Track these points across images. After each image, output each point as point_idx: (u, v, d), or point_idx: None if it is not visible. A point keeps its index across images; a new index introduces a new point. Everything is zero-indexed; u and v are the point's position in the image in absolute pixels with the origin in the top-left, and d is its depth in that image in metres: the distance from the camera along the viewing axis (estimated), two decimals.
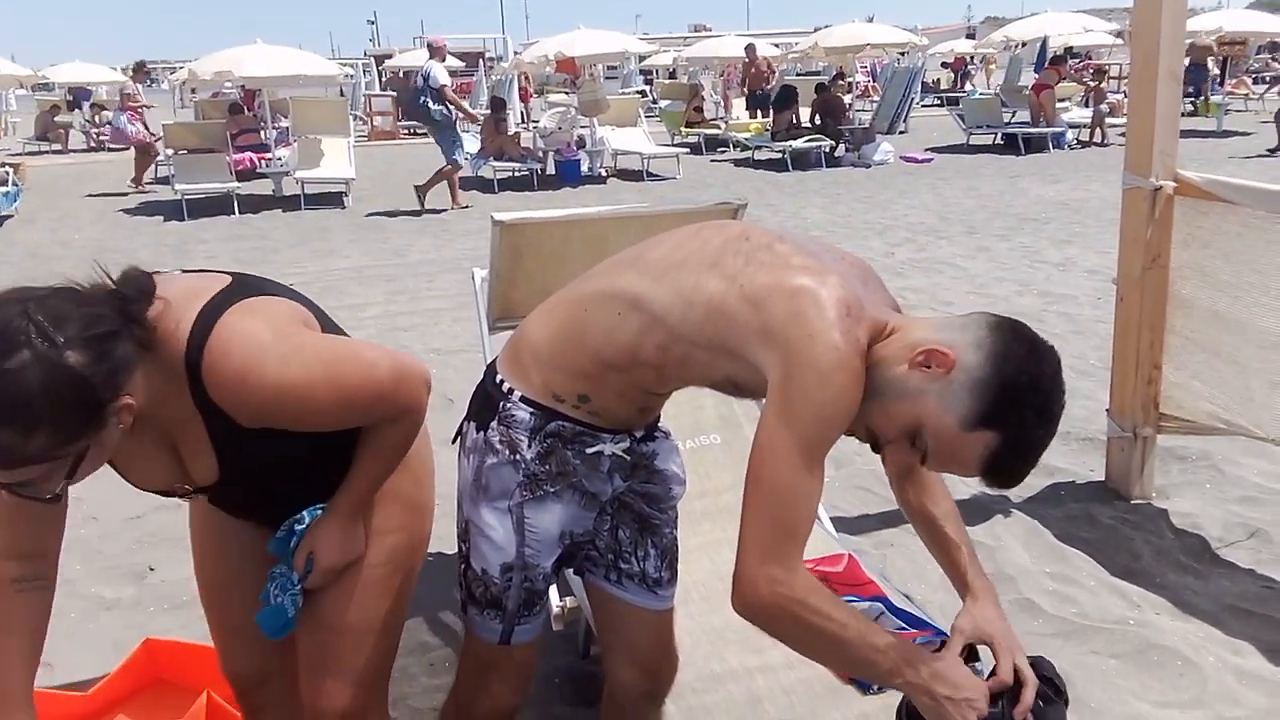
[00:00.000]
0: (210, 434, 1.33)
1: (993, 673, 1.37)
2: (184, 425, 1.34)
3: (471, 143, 13.17)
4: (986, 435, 1.24)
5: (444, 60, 10.87)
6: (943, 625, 2.61)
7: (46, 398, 1.09)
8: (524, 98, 13.03)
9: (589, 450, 1.54)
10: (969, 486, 3.57)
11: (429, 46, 11.41)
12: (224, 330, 1.27)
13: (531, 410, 1.51)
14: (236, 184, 11.36)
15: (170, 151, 12.21)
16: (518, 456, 1.51)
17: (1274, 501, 3.34)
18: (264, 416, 1.32)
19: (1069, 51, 16.71)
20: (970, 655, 1.46)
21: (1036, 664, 1.40)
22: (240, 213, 10.90)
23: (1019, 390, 1.23)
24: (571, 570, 1.73)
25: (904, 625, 2.30)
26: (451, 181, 10.81)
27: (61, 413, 1.12)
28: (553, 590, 2.38)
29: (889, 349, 1.31)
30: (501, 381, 1.54)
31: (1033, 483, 3.59)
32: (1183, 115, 15.71)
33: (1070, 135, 14.90)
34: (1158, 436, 3.37)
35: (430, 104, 10.29)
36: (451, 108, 10.57)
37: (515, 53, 20.73)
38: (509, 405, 1.51)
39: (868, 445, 1.36)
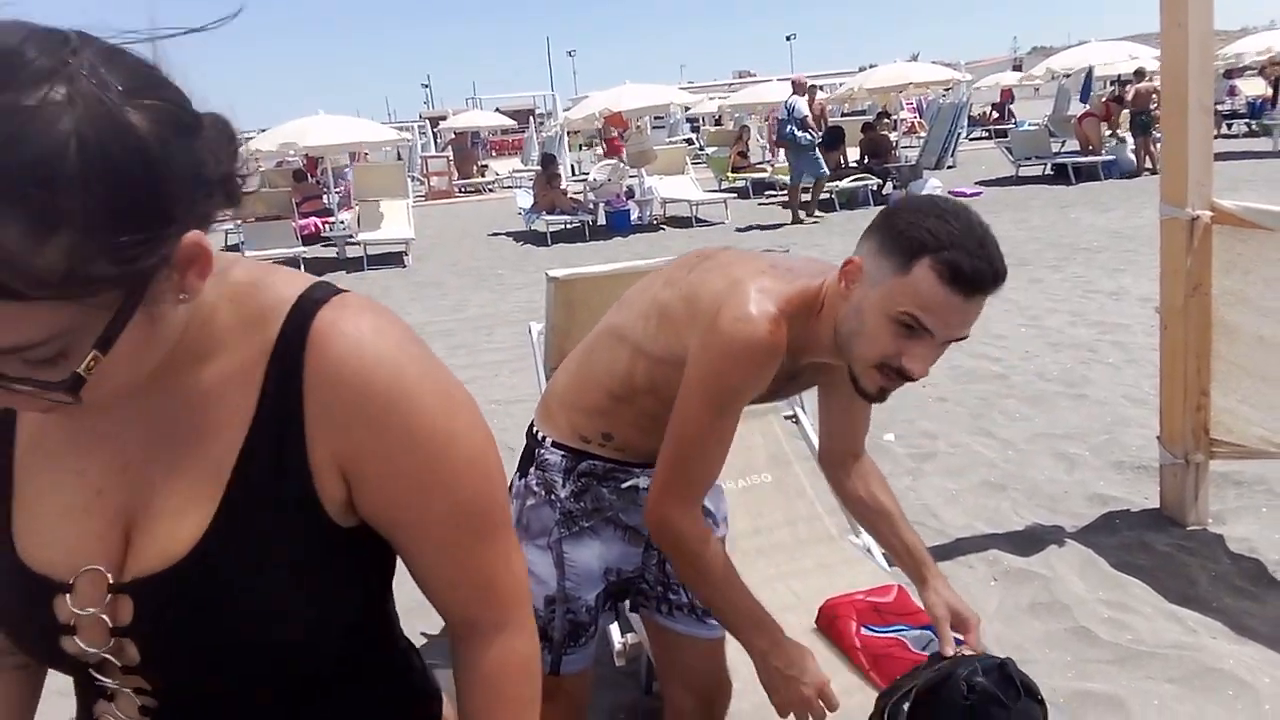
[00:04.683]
0: (253, 430, 0.78)
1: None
2: (208, 407, 0.79)
3: (525, 198, 13.56)
4: (922, 263, 1.30)
5: (804, 95, 12.82)
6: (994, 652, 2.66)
7: (87, 161, 0.59)
8: (614, 150, 13.97)
9: (624, 485, 1.65)
10: (1020, 518, 3.62)
11: (793, 84, 13.30)
12: (356, 299, 0.84)
13: (563, 454, 1.63)
14: (303, 248, 11.85)
15: (239, 220, 12.77)
16: (553, 496, 1.63)
17: None
18: (366, 420, 0.78)
19: (1119, 80, 16.58)
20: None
21: (1004, 666, 1.49)
22: None
23: (906, 221, 1.33)
24: (628, 607, 1.84)
25: None
26: (799, 194, 12.66)
27: (108, 196, 0.60)
28: (614, 628, 2.49)
29: (831, 299, 1.43)
30: (536, 431, 1.69)
31: (1087, 512, 3.62)
32: (1241, 136, 15.46)
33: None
34: (1210, 462, 3.38)
35: (795, 131, 12.22)
36: (812, 134, 12.49)
37: (565, 109, 21.26)
38: (542, 451, 1.65)
39: (896, 383, 1.40)
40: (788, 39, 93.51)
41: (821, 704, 1.51)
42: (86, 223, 0.59)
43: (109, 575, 0.77)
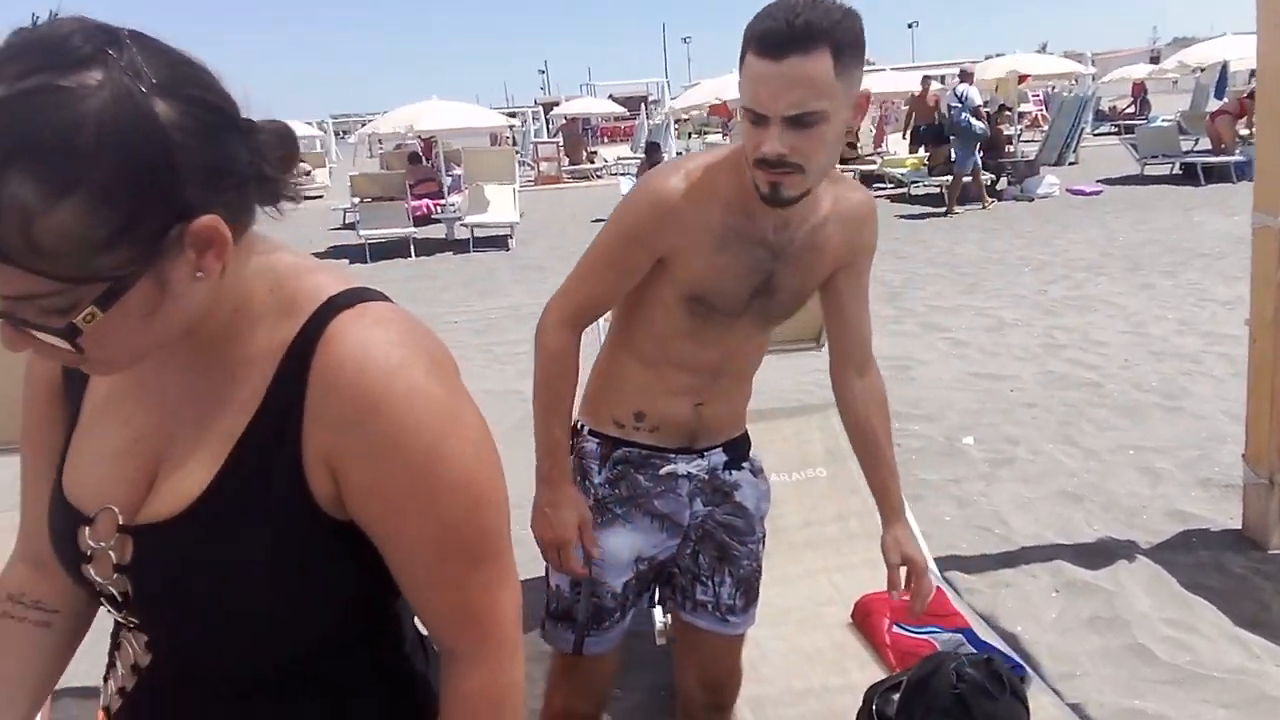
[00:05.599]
0: (260, 412, 0.83)
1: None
2: (233, 381, 0.85)
3: (629, 185, 13.71)
4: (745, 55, 1.37)
5: (973, 83, 12.83)
6: (1038, 663, 2.63)
7: (103, 137, 0.67)
8: None
9: (661, 471, 1.69)
10: (1093, 530, 3.53)
11: (961, 72, 13.36)
12: (381, 309, 0.86)
13: (598, 440, 1.71)
14: (414, 229, 12.27)
15: (355, 199, 13.31)
16: (588, 483, 1.70)
17: None
18: (352, 423, 0.80)
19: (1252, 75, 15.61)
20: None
21: (990, 661, 1.50)
22: (416, 255, 11.75)
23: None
24: (655, 597, 1.88)
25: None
26: (960, 184, 12.46)
27: (119, 171, 0.68)
28: (657, 610, 2.57)
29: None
30: (577, 421, 1.76)
31: (1165, 529, 3.51)
32: None
33: None
34: None
35: (970, 119, 12.12)
36: (985, 123, 12.36)
37: (673, 98, 21.29)
38: (580, 439, 1.73)
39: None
40: (909, 26, 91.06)
41: (556, 555, 1.62)
42: (96, 191, 0.67)
43: (120, 516, 0.85)
